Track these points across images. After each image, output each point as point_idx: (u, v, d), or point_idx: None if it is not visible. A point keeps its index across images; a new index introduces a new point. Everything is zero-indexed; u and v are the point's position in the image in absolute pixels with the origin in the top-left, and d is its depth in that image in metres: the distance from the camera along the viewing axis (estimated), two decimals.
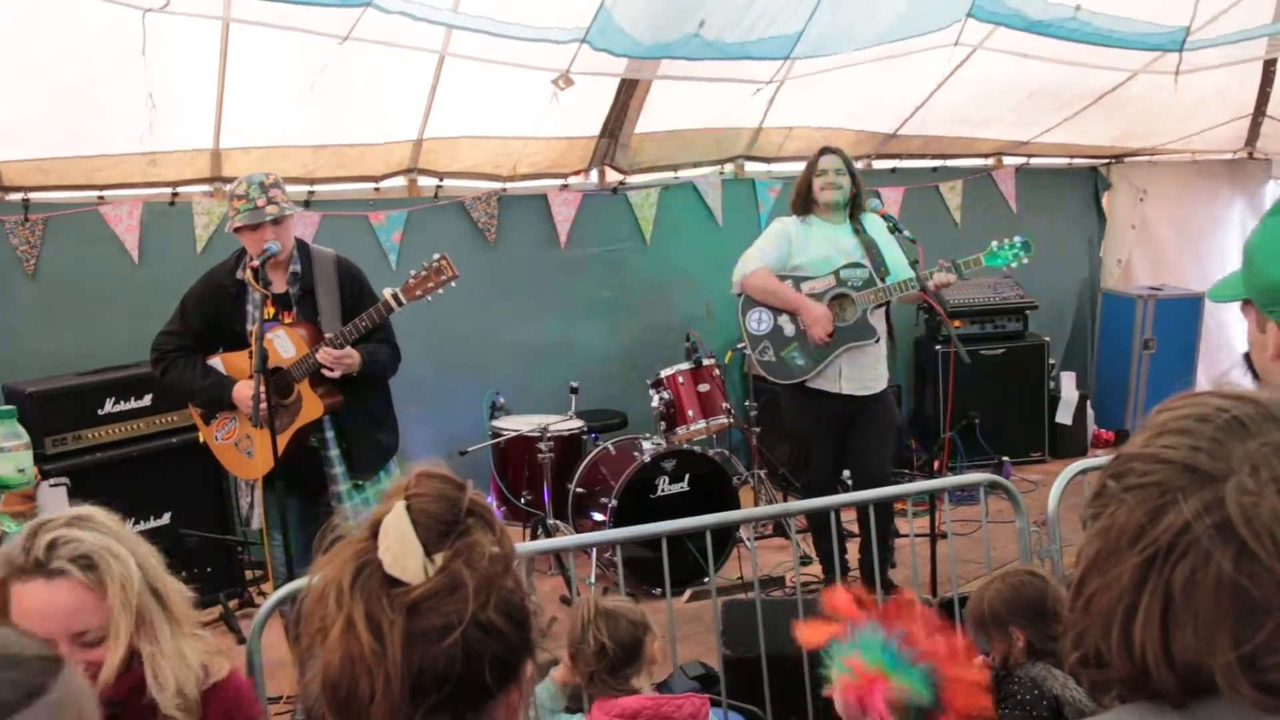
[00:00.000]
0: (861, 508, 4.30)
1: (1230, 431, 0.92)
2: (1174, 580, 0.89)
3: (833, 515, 3.61)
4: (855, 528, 4.71)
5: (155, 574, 1.71)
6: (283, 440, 3.68)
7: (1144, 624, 0.90)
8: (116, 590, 1.64)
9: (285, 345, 3.66)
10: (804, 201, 4.55)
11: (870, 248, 4.46)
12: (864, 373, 4.49)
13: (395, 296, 3.67)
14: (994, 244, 4.50)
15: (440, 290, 3.73)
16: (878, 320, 4.48)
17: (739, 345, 4.53)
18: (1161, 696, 0.92)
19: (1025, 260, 4.49)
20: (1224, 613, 0.87)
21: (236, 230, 3.66)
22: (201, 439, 3.94)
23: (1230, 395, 0.95)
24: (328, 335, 3.65)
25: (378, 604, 1.04)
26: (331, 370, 3.63)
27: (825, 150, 4.55)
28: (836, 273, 4.46)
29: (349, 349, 3.64)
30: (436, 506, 1.08)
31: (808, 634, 1.60)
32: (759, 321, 4.51)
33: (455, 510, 1.09)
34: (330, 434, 3.76)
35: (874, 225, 4.54)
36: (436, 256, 3.72)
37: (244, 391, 3.68)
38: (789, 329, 4.47)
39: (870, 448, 4.54)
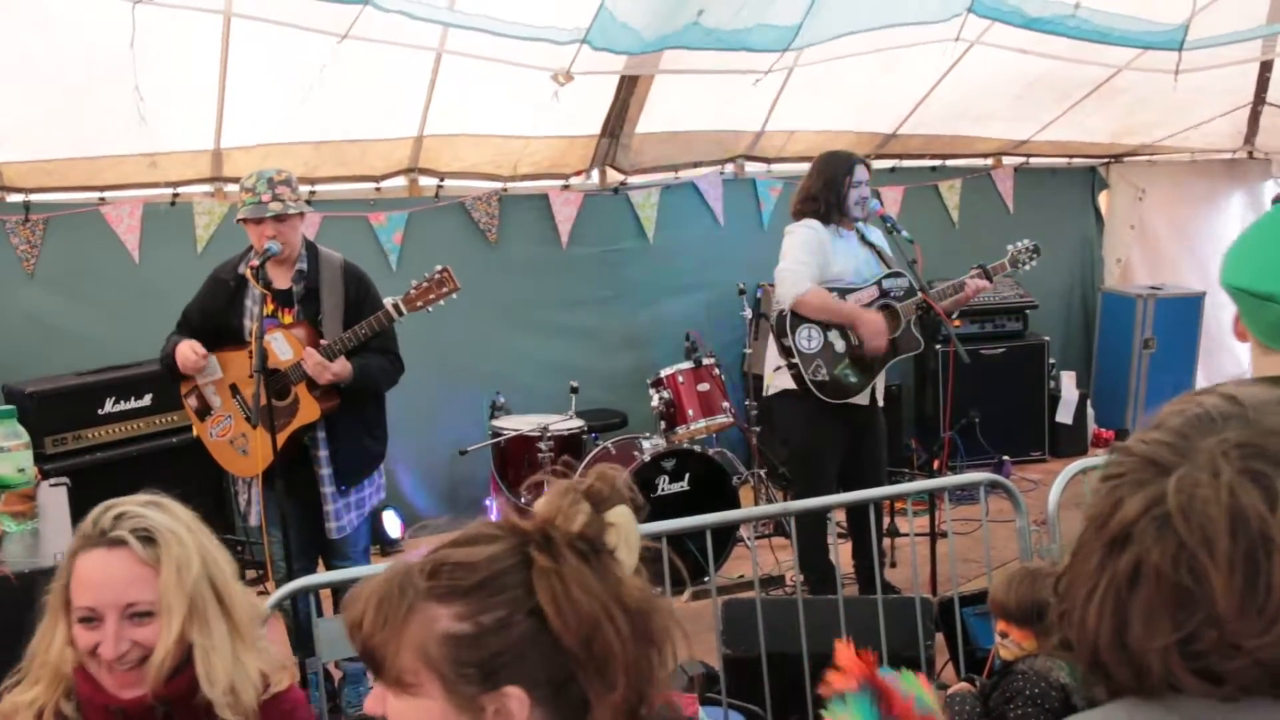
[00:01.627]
0: (859, 510, 4.31)
1: (1197, 427, 0.93)
2: (1120, 571, 0.91)
3: (831, 516, 3.60)
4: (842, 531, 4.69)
5: (220, 574, 1.73)
6: (280, 441, 3.67)
7: (1098, 612, 0.93)
8: (171, 570, 1.67)
9: (283, 348, 3.66)
10: (832, 210, 4.34)
11: (883, 255, 4.43)
12: (883, 380, 4.48)
13: (396, 307, 3.67)
14: (1010, 248, 4.61)
15: (442, 302, 3.73)
16: (916, 329, 4.45)
17: (791, 360, 4.32)
18: (1119, 687, 0.94)
19: (1035, 263, 4.64)
20: (1165, 604, 0.89)
21: (242, 222, 3.67)
22: (195, 433, 3.94)
23: (1222, 393, 0.96)
24: (322, 343, 3.64)
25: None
26: (316, 378, 3.62)
27: (857, 160, 4.41)
28: (879, 283, 4.36)
29: (340, 361, 3.62)
30: (632, 495, 1.16)
31: (837, 681, 1.62)
32: (809, 339, 4.29)
33: (633, 490, 1.18)
34: (321, 434, 3.76)
35: (873, 232, 4.51)
36: (439, 268, 3.72)
37: (184, 352, 3.69)
38: (839, 345, 4.30)
39: (881, 453, 4.54)
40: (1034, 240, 4.66)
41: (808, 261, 4.27)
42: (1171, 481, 0.90)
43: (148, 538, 1.68)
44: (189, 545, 1.70)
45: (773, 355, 4.44)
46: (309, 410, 3.69)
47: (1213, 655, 0.88)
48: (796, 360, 4.27)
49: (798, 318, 4.30)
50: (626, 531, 1.13)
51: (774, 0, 4.57)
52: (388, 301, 3.67)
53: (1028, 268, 4.64)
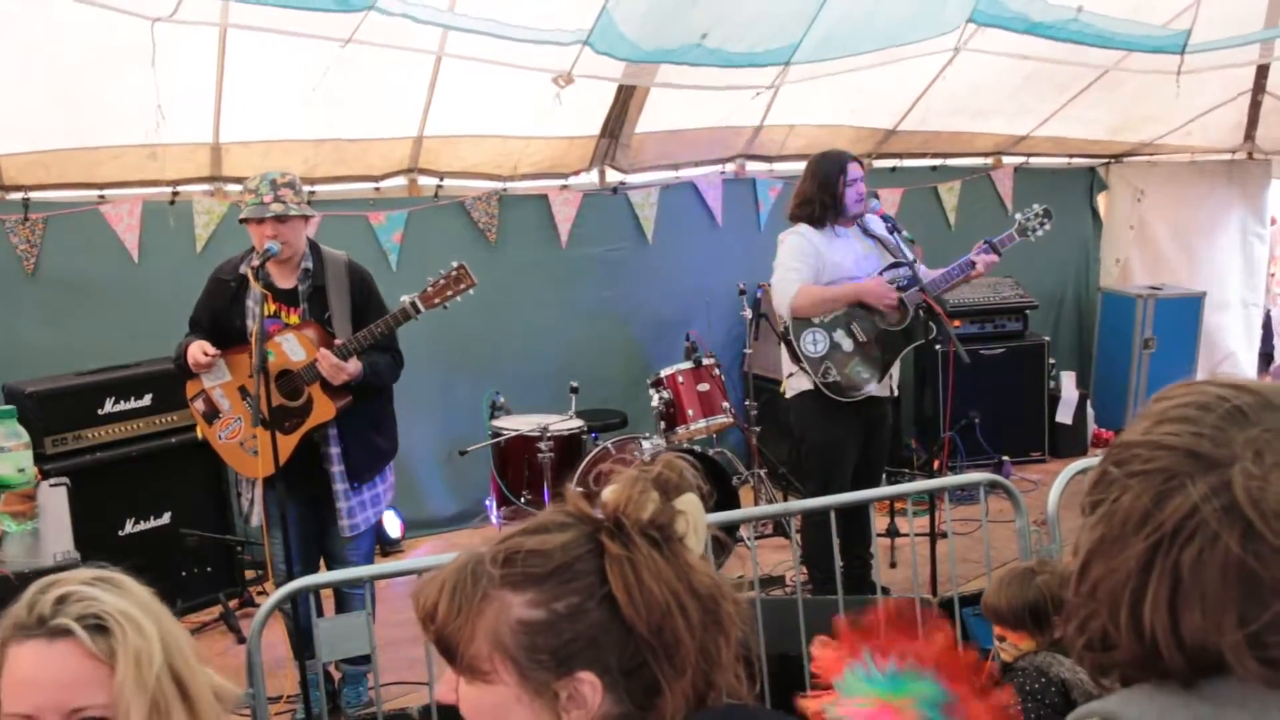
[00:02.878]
0: (853, 509, 4.31)
1: (1231, 419, 0.94)
2: (1182, 562, 0.91)
3: (832, 515, 3.59)
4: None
5: (183, 660, 1.42)
6: (293, 441, 3.69)
7: (1153, 606, 0.92)
8: (129, 666, 1.35)
9: (294, 348, 3.66)
10: (828, 211, 4.32)
11: (887, 245, 4.43)
12: (898, 370, 4.49)
13: (414, 304, 3.66)
14: (1019, 216, 4.52)
15: (458, 298, 3.73)
16: (924, 317, 4.41)
17: (800, 366, 4.34)
18: (1169, 676, 0.94)
19: (1048, 226, 4.51)
20: (1231, 593, 0.89)
21: (244, 222, 3.67)
22: (201, 435, 3.94)
23: (1228, 384, 0.98)
24: (337, 341, 3.65)
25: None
26: (331, 379, 3.63)
27: (851, 157, 4.40)
28: (881, 274, 4.36)
29: (353, 361, 3.63)
30: (699, 481, 1.18)
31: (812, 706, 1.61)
32: (814, 343, 4.29)
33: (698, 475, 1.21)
34: (332, 432, 3.77)
35: (875, 224, 4.51)
36: (455, 264, 3.73)
37: (193, 352, 3.68)
38: (846, 344, 4.31)
39: (885, 445, 4.55)
40: (1045, 206, 4.54)
41: (797, 267, 4.28)
42: (1235, 473, 0.90)
43: (98, 626, 1.36)
44: (149, 633, 1.38)
45: (787, 361, 4.45)
46: (323, 409, 3.69)
47: None
48: (805, 366, 4.29)
49: (800, 322, 4.31)
50: (695, 519, 1.15)
51: (779, 31, 4.57)
52: (405, 299, 3.67)
53: (1039, 234, 4.50)
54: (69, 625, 1.35)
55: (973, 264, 4.37)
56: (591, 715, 1.09)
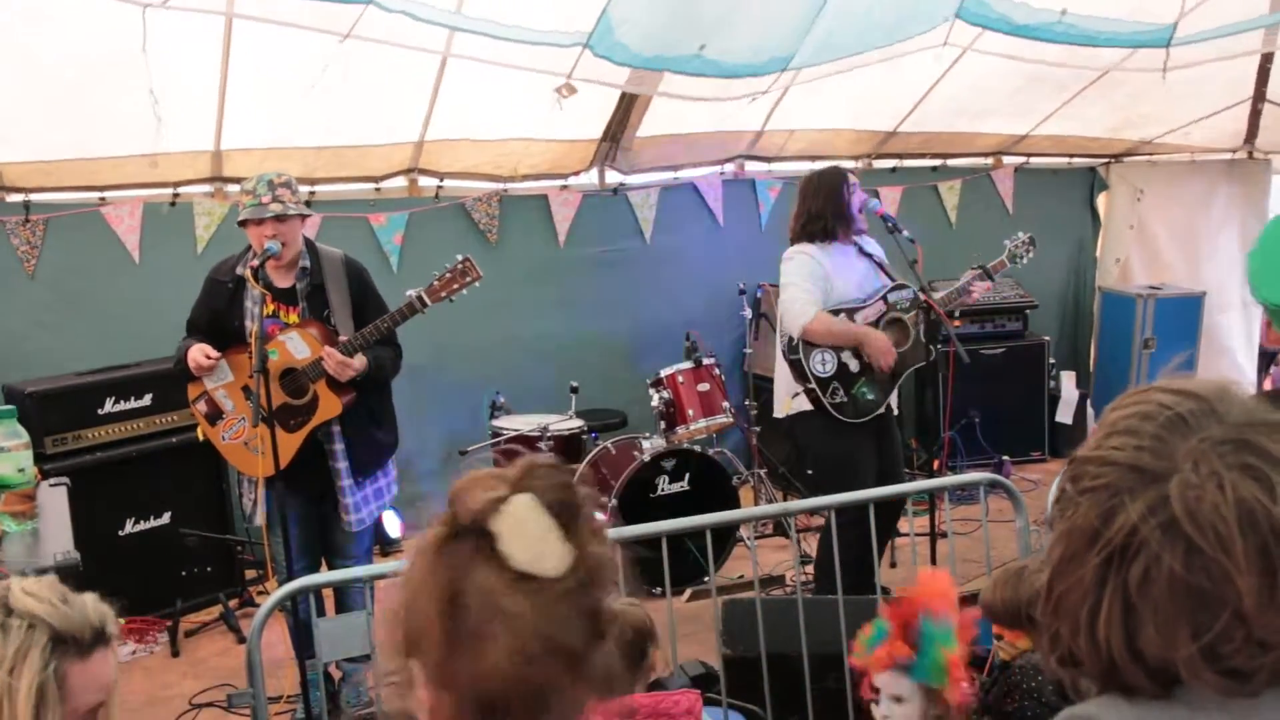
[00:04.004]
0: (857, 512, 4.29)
1: (1172, 429, 0.93)
2: (1129, 580, 0.91)
3: (832, 515, 3.60)
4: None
5: None
6: (298, 439, 3.70)
7: (1107, 623, 0.92)
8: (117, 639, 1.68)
9: (298, 346, 3.66)
10: (839, 223, 4.28)
11: (884, 266, 4.41)
12: (897, 389, 4.47)
13: (419, 298, 3.68)
14: (1007, 243, 4.66)
15: (464, 291, 3.74)
16: (926, 339, 4.41)
17: (808, 386, 4.29)
18: (1134, 690, 0.93)
19: (1033, 253, 4.69)
20: (1180, 607, 0.89)
21: (242, 224, 3.68)
22: (202, 436, 3.93)
23: (1174, 390, 0.97)
24: (342, 339, 3.65)
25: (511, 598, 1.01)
26: (338, 375, 3.63)
27: (849, 171, 4.40)
28: (884, 297, 4.34)
29: (357, 356, 3.64)
30: (562, 494, 1.04)
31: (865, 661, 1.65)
32: (823, 364, 4.25)
33: (574, 494, 1.05)
34: (336, 428, 3.77)
35: (869, 243, 4.48)
36: (461, 258, 3.75)
37: (195, 355, 3.69)
38: (854, 365, 4.27)
39: (899, 454, 4.52)
40: (1030, 234, 4.71)
41: (809, 289, 4.21)
42: (1173, 486, 0.89)
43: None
44: None
45: (786, 382, 4.36)
46: (329, 406, 3.70)
47: (1239, 655, 0.88)
48: (813, 386, 4.25)
49: (809, 344, 4.26)
50: (519, 521, 1.05)
51: (778, 44, 4.58)
52: (410, 293, 3.69)
53: (1025, 261, 4.67)
54: (114, 629, 1.64)
55: (969, 290, 4.50)
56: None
